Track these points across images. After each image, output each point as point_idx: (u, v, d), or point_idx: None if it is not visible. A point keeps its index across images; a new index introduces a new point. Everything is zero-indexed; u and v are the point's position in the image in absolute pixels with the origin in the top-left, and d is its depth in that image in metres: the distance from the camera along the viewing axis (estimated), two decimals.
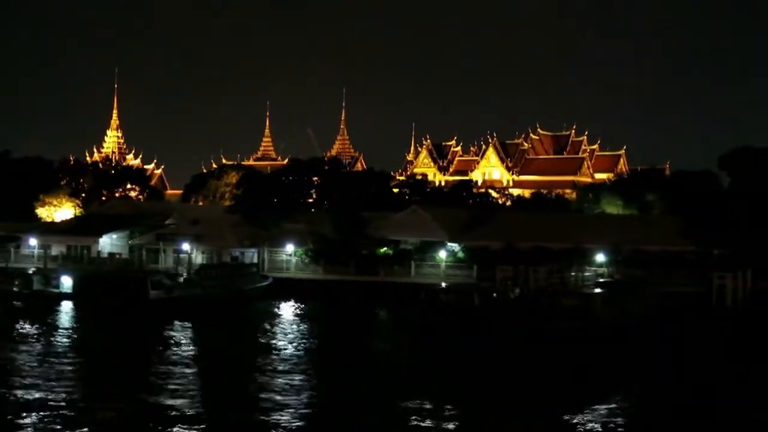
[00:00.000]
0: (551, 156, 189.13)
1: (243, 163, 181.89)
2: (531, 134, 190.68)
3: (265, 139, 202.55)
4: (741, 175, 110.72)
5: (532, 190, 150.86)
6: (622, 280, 77.28)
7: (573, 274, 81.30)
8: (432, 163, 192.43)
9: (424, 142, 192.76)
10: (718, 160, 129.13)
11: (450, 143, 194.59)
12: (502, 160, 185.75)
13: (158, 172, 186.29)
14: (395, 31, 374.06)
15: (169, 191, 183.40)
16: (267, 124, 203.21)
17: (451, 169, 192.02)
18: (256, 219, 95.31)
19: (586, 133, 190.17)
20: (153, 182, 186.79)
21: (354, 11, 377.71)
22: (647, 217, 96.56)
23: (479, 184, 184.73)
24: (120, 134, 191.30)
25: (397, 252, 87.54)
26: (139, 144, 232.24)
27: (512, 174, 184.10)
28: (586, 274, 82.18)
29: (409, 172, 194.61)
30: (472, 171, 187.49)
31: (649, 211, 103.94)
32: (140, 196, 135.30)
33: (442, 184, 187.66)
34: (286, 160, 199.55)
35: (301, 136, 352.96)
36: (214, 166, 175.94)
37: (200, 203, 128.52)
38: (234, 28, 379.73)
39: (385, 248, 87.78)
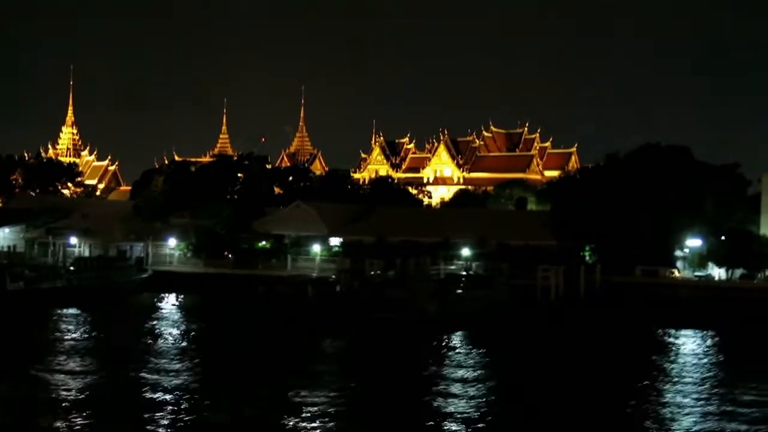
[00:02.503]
0: (502, 153, 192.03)
1: (196, 159, 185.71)
2: (484, 131, 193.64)
3: (222, 137, 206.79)
4: (646, 171, 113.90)
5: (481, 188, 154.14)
6: (474, 273, 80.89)
7: (437, 266, 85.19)
8: (385, 161, 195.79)
9: (377, 140, 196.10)
10: (624, 156, 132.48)
11: (403, 140, 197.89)
12: (453, 157, 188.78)
13: (112, 168, 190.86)
14: (359, 28, 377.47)
15: (123, 187, 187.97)
16: (224, 121, 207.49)
17: (403, 166, 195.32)
18: (147, 213, 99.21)
19: (539, 130, 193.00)
20: (107, 178, 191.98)
21: (315, 9, 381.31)
22: (514, 213, 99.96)
23: (430, 181, 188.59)
24: (75, 131, 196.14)
25: (275, 246, 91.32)
26: (102, 142, 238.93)
27: (463, 171, 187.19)
28: (451, 267, 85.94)
29: (362, 170, 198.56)
30: (423, 168, 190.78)
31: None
32: (74, 192, 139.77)
33: (395, 181, 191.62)
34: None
35: (258, 133, 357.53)
36: (167, 162, 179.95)
37: None
38: (194, 26, 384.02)
39: (264, 242, 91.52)
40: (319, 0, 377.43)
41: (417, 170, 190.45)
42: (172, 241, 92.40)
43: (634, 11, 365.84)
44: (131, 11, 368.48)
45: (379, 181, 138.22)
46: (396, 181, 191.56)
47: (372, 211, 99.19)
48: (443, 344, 61.05)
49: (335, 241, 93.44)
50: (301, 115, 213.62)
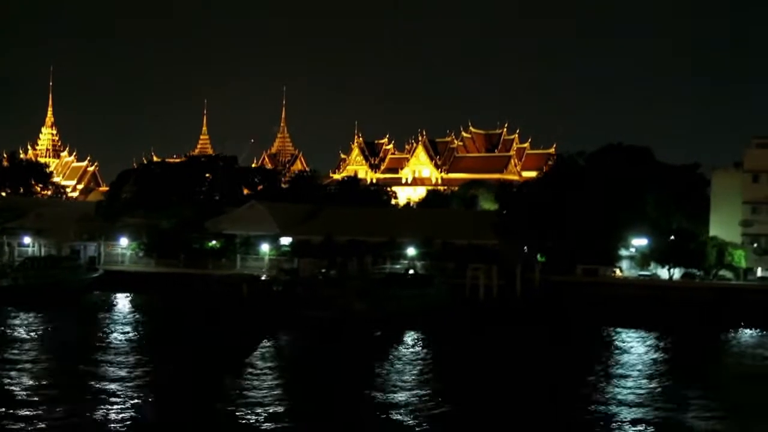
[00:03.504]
0: (481, 154, 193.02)
1: (179, 159, 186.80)
2: (463, 132, 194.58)
3: (202, 137, 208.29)
4: (607, 171, 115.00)
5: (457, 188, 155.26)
6: (414, 272, 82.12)
7: (383, 266, 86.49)
8: (364, 161, 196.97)
9: (356, 140, 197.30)
10: (587, 156, 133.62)
11: (382, 141, 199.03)
12: (431, 158, 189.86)
13: (92, 169, 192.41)
14: (346, 28, 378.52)
15: (102, 188, 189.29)
16: (204, 121, 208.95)
17: (382, 167, 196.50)
18: (107, 213, 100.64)
19: (518, 131, 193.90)
20: (86, 179, 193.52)
21: (299, 10, 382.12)
22: (461, 213, 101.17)
23: (408, 181, 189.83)
24: (55, 131, 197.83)
25: (224, 245, 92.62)
26: (84, 143, 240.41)
27: (441, 172, 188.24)
28: (397, 266, 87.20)
29: (342, 170, 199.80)
30: (402, 169, 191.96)
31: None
32: (45, 191, 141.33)
33: (373, 181, 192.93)
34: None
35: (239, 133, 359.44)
36: (145, 161, 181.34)
37: None
38: (176, 26, 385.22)
39: (214, 242, 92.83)
40: (300, 1, 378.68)
41: (396, 171, 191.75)
42: (123, 241, 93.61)
43: (628, 11, 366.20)
44: (113, 12, 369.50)
45: (346, 182, 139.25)
46: (375, 181, 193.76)
47: (322, 211, 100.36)
48: (366, 342, 62.52)
49: (287, 240, 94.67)
50: (283, 115, 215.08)
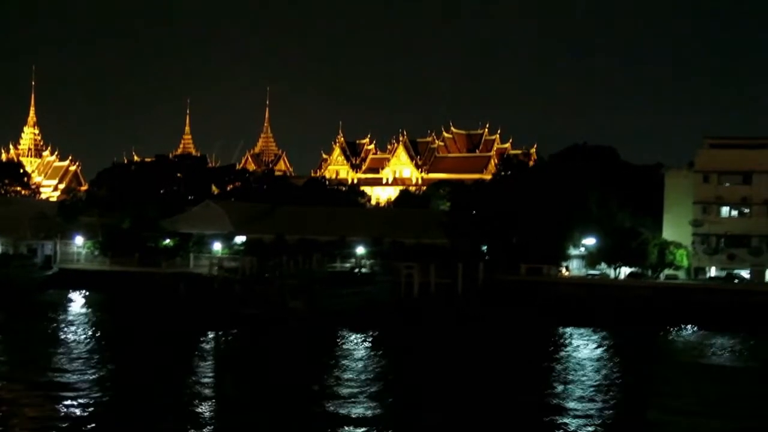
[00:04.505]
0: (461, 154, 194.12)
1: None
2: (444, 132, 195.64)
3: (185, 137, 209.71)
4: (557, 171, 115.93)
5: None
6: (358, 271, 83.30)
7: (333, 264, 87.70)
8: (345, 161, 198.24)
9: (337, 140, 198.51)
10: (549, 156, 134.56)
11: (364, 141, 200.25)
12: (412, 158, 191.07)
13: (73, 168, 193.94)
14: (332, 28, 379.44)
15: (84, 187, 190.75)
16: (187, 121, 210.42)
17: (363, 167, 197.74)
18: (67, 212, 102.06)
19: (499, 131, 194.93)
20: (67, 178, 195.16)
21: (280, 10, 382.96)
22: (411, 212, 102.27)
23: (389, 181, 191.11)
24: (37, 131, 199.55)
25: (178, 244, 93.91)
26: (68, 142, 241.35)
27: (422, 172, 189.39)
28: (346, 264, 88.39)
29: (323, 170, 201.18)
30: (383, 169, 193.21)
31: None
32: (24, 191, 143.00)
33: (355, 181, 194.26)
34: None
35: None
36: (126, 161, 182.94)
37: None
38: (159, 27, 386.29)
39: (168, 240, 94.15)
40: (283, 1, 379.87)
41: (377, 171, 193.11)
42: (79, 240, 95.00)
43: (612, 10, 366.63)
44: (96, 12, 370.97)
45: (312, 181, 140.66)
46: (355, 181, 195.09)
47: (275, 210, 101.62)
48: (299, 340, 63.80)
49: (241, 239, 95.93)
50: (266, 115, 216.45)
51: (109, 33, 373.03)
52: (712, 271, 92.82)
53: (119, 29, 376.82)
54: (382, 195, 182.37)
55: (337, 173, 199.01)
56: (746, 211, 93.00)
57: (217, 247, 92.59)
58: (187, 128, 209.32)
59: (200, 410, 41.30)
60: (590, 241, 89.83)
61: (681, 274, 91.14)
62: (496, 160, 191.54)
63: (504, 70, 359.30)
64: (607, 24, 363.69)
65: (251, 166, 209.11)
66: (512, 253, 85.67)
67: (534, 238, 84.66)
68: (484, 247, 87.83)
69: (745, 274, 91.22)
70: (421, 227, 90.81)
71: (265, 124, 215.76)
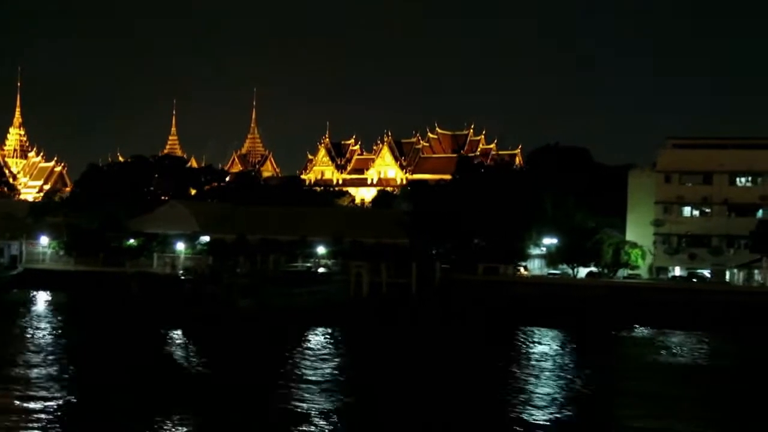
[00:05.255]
0: (446, 155, 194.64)
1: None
2: (429, 133, 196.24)
3: (171, 137, 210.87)
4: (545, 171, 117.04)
5: None
6: (313, 270, 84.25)
7: (294, 263, 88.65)
8: (330, 162, 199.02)
9: (322, 141, 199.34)
10: (526, 156, 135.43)
11: (349, 142, 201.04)
12: (397, 159, 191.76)
13: (58, 169, 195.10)
14: (319, 28, 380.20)
15: (69, 188, 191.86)
16: (173, 122, 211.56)
17: (348, 168, 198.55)
18: (33, 212, 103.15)
19: (484, 132, 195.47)
20: (53, 179, 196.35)
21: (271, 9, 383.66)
22: (372, 212, 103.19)
23: (374, 182, 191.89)
24: (23, 132, 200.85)
25: (142, 244, 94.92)
26: (54, 143, 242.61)
27: (406, 172, 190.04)
28: (307, 264, 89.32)
29: (308, 171, 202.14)
30: (368, 169, 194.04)
31: None
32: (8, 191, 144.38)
33: (340, 182, 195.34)
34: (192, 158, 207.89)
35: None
36: (110, 161, 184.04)
37: None
38: (144, 27, 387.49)
39: (132, 240, 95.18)
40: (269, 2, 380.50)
41: (362, 171, 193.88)
42: (44, 240, 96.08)
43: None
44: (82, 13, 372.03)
45: (288, 181, 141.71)
46: (340, 181, 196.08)
47: (240, 210, 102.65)
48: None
49: (206, 239, 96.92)
50: (253, 116, 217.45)
51: (99, 33, 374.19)
52: (677, 271, 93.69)
53: (110, 28, 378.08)
54: (366, 195, 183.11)
55: (323, 174, 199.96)
56: (707, 210, 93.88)
57: (181, 247, 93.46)
58: (173, 129, 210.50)
59: (150, 410, 41.86)
60: (551, 240, 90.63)
61: (643, 274, 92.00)
62: (481, 161, 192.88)
63: (494, 70, 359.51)
64: (603, 25, 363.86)
65: (237, 167, 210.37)
66: (471, 253, 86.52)
67: (491, 238, 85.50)
68: (444, 248, 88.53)
69: (707, 273, 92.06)
70: (382, 227, 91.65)
71: (252, 125, 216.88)
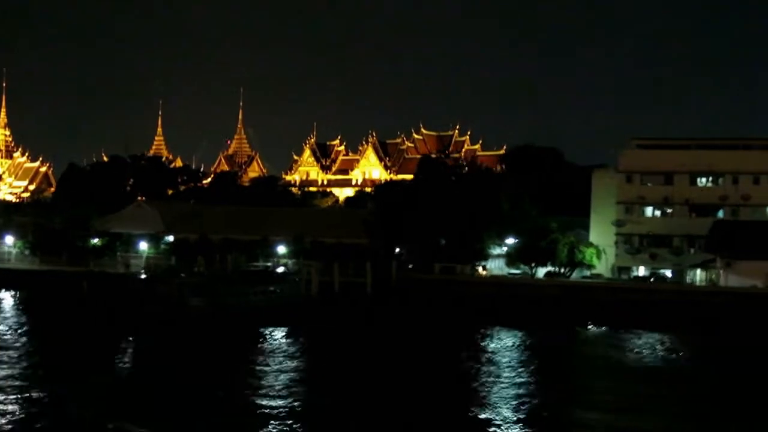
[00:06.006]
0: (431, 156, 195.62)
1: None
2: (414, 134, 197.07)
3: (157, 138, 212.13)
4: (520, 171, 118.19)
5: None
6: (270, 269, 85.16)
7: (255, 263, 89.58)
8: (315, 162, 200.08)
9: (307, 141, 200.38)
10: (500, 157, 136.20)
11: (334, 143, 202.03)
12: (381, 159, 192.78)
13: (44, 169, 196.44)
14: (307, 29, 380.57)
15: (53, 189, 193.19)
16: (159, 122, 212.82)
17: (333, 168, 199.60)
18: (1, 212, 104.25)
19: (469, 132, 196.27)
20: (38, 180, 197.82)
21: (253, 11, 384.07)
22: (332, 212, 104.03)
23: (359, 182, 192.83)
24: (8, 132, 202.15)
25: (107, 243, 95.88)
26: (40, 143, 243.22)
27: (390, 173, 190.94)
28: (268, 263, 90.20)
29: (293, 172, 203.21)
30: (353, 170, 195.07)
31: None
32: None
33: (325, 182, 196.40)
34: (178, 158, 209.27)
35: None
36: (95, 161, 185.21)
37: None
38: (130, 27, 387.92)
39: (96, 240, 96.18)
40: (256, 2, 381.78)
41: (346, 172, 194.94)
42: (9, 239, 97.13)
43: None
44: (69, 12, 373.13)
45: (261, 182, 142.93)
46: (325, 182, 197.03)
47: (203, 210, 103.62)
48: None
49: (171, 239, 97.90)
50: (240, 117, 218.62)
51: (89, 32, 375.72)
52: (641, 271, 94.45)
53: (101, 28, 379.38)
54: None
55: (308, 174, 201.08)
56: (669, 211, 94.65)
57: (144, 246, 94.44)
58: (159, 129, 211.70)
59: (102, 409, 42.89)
60: (511, 240, 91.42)
61: (605, 273, 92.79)
62: (465, 162, 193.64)
63: (482, 71, 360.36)
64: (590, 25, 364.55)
65: (225, 168, 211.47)
66: (430, 252, 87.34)
67: (450, 238, 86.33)
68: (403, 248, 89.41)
69: (669, 273, 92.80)
70: (345, 227, 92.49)
71: (239, 126, 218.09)
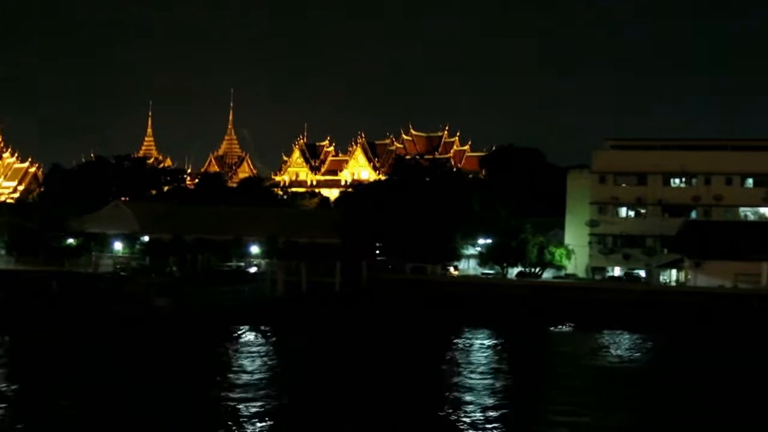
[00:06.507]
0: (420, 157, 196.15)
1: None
2: (403, 135, 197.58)
3: (147, 138, 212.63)
4: (499, 172, 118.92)
5: None
6: (242, 269, 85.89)
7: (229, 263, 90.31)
8: (305, 163, 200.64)
9: (297, 142, 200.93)
10: (479, 159, 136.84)
11: (323, 143, 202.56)
12: (370, 160, 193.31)
13: (33, 170, 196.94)
14: (295, 31, 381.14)
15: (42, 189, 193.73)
16: (149, 123, 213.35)
17: (323, 169, 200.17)
18: None
19: (458, 134, 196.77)
20: (27, 180, 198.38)
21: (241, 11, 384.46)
22: (307, 213, 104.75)
23: (348, 183, 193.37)
24: None
25: (82, 243, 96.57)
26: (28, 144, 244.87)
27: (379, 174, 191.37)
28: (241, 264, 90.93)
29: (283, 172, 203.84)
30: (342, 171, 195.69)
31: None
32: None
33: (314, 183, 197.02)
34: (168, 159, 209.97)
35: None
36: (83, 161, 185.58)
37: None
38: (118, 27, 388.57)
39: (71, 240, 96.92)
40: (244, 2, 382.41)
41: (335, 173, 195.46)
42: None
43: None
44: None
45: (246, 183, 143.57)
46: (314, 182, 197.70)
47: (180, 210, 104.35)
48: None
49: (147, 239, 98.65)
50: (230, 118, 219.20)
51: (77, 31, 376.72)
52: (617, 271, 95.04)
53: (90, 27, 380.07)
54: None
55: (297, 175, 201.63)
56: (642, 211, 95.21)
57: (119, 246, 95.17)
58: (149, 130, 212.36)
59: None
60: (485, 241, 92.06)
61: (580, 274, 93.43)
62: (454, 162, 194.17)
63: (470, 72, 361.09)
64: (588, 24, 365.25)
65: (215, 168, 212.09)
66: (401, 253, 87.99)
67: (420, 239, 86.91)
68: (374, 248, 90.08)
69: (643, 273, 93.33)
70: (318, 227, 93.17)
71: (229, 127, 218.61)
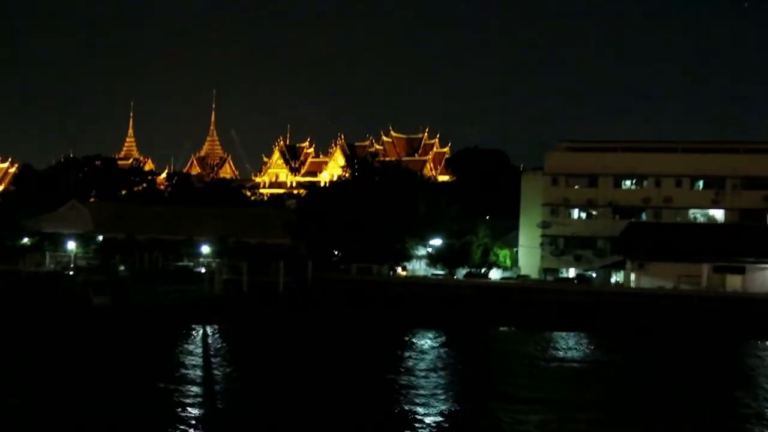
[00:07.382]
0: (400, 158, 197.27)
1: None
2: (383, 136, 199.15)
3: (128, 139, 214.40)
4: (462, 174, 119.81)
5: None
6: (187, 268, 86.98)
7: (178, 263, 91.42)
8: (284, 164, 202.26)
9: (277, 143, 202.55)
10: (445, 161, 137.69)
11: (303, 145, 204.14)
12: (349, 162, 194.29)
13: (13, 170, 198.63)
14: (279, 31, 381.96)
15: None
16: (131, 124, 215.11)
17: (302, 171, 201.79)
18: None
19: (438, 135, 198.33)
20: (6, 181, 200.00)
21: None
22: (257, 213, 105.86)
23: (328, 184, 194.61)
24: None
25: (36, 243, 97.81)
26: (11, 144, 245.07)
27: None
28: (190, 263, 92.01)
29: (263, 174, 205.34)
30: (321, 172, 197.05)
31: None
32: None
33: (294, 184, 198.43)
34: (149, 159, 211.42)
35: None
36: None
37: None
38: (105, 28, 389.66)
39: (26, 240, 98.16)
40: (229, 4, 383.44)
41: (315, 174, 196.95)
42: None
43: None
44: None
45: (216, 182, 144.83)
46: (294, 184, 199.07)
47: (133, 210, 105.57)
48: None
49: (101, 238, 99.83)
50: (212, 119, 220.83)
51: (72, 28, 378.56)
52: (571, 272, 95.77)
53: (80, 25, 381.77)
54: None
55: (277, 176, 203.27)
56: (593, 213, 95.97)
57: (72, 246, 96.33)
58: (130, 131, 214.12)
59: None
60: (436, 241, 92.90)
61: (533, 275, 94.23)
62: (432, 164, 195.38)
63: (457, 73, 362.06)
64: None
65: (196, 170, 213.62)
66: (348, 252, 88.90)
67: (368, 238, 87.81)
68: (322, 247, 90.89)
69: (594, 275, 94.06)
70: (268, 227, 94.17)
71: (211, 128, 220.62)
